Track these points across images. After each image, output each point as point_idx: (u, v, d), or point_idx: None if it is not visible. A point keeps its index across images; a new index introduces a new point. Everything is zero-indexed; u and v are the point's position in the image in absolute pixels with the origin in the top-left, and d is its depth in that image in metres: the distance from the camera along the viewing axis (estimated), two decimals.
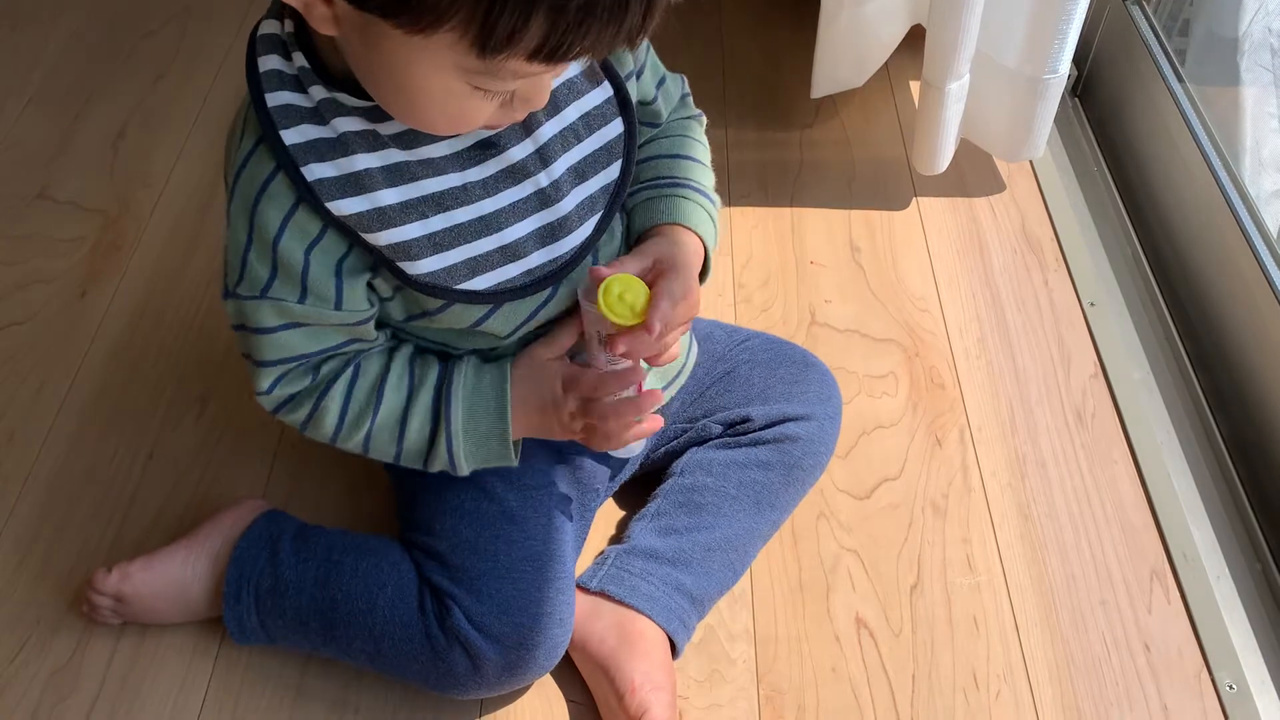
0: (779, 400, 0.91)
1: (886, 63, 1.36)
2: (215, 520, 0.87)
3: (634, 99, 0.78)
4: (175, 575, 0.85)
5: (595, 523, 0.93)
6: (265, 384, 0.74)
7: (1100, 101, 1.38)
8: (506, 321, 0.76)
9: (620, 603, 0.83)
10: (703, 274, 0.81)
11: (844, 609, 0.90)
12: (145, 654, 0.86)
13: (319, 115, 0.67)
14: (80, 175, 1.26)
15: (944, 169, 1.22)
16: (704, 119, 0.89)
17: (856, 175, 1.29)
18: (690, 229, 0.80)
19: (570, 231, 0.74)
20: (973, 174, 1.29)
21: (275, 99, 0.66)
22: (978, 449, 1.02)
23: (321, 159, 0.67)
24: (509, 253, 0.73)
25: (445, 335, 0.77)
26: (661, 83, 0.83)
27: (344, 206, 0.68)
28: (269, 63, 0.67)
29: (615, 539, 0.92)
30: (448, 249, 0.71)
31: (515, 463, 0.78)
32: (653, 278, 0.74)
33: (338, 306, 0.71)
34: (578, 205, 0.74)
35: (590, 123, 0.74)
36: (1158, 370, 1.10)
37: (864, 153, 1.32)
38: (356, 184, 0.68)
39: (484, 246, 0.72)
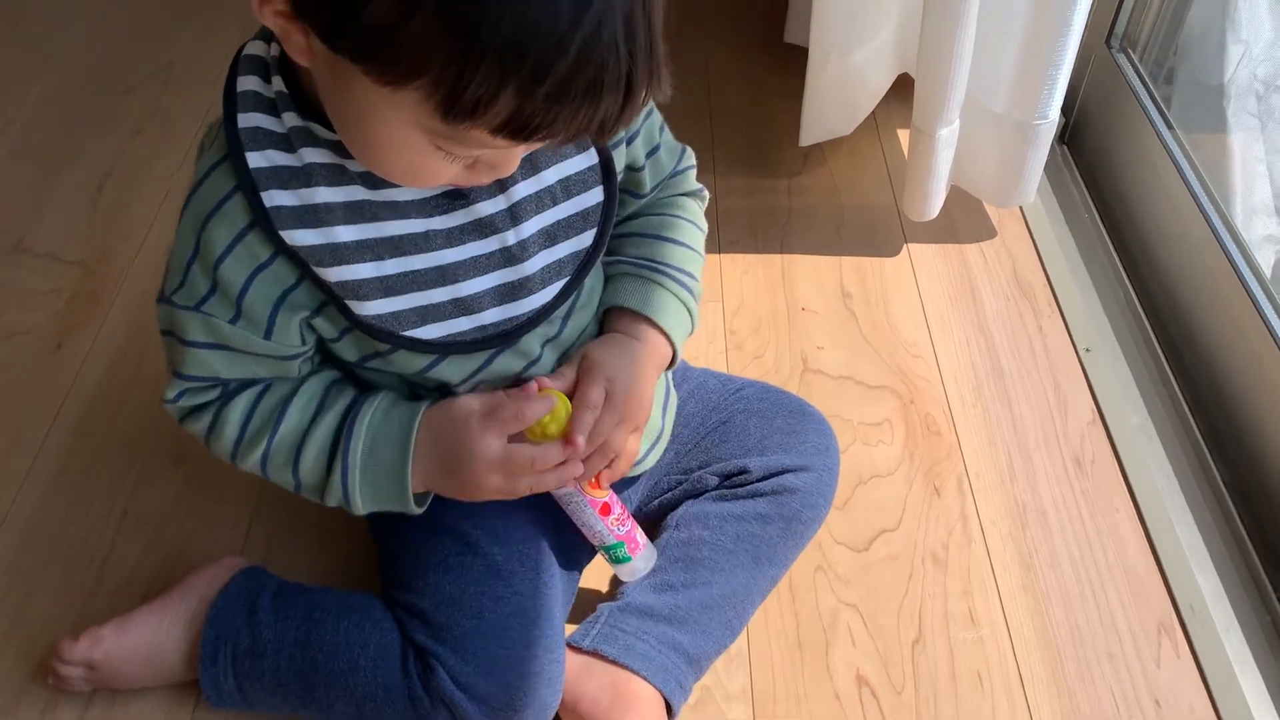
0: (776, 451, 0.88)
1: (874, 111, 1.36)
2: (190, 580, 0.84)
3: (621, 164, 0.77)
4: (149, 638, 0.81)
5: (587, 579, 0.90)
6: (171, 393, 0.73)
7: (1088, 148, 1.37)
8: (456, 370, 0.74)
9: (614, 662, 0.80)
10: (671, 362, 0.81)
11: (844, 665, 0.87)
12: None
13: (288, 142, 0.65)
14: (59, 228, 1.24)
15: (935, 215, 1.21)
16: (705, 196, 0.88)
17: (846, 222, 1.28)
18: (653, 321, 0.79)
19: (531, 293, 0.73)
20: (963, 220, 1.28)
21: (247, 120, 0.65)
22: (976, 497, 0.99)
23: (283, 186, 0.66)
24: (462, 306, 0.71)
25: (399, 381, 0.75)
26: (654, 152, 0.81)
27: (298, 237, 0.66)
28: (247, 83, 0.66)
29: (608, 596, 0.89)
30: (399, 294, 0.69)
31: (416, 511, 0.75)
32: (577, 382, 0.75)
33: (267, 336, 0.69)
34: (543, 268, 0.73)
35: (569, 187, 0.73)
36: (1156, 415, 1.08)
37: (853, 200, 1.31)
38: (314, 216, 0.66)
39: (437, 296, 0.70)
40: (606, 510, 0.81)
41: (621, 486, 0.88)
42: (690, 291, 0.82)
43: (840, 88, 1.25)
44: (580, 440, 0.73)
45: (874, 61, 1.27)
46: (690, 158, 0.87)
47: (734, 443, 0.89)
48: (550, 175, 0.72)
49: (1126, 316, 1.18)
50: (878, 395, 1.08)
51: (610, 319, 0.81)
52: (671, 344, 0.81)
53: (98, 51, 1.52)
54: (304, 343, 0.72)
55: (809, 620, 0.90)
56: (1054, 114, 1.14)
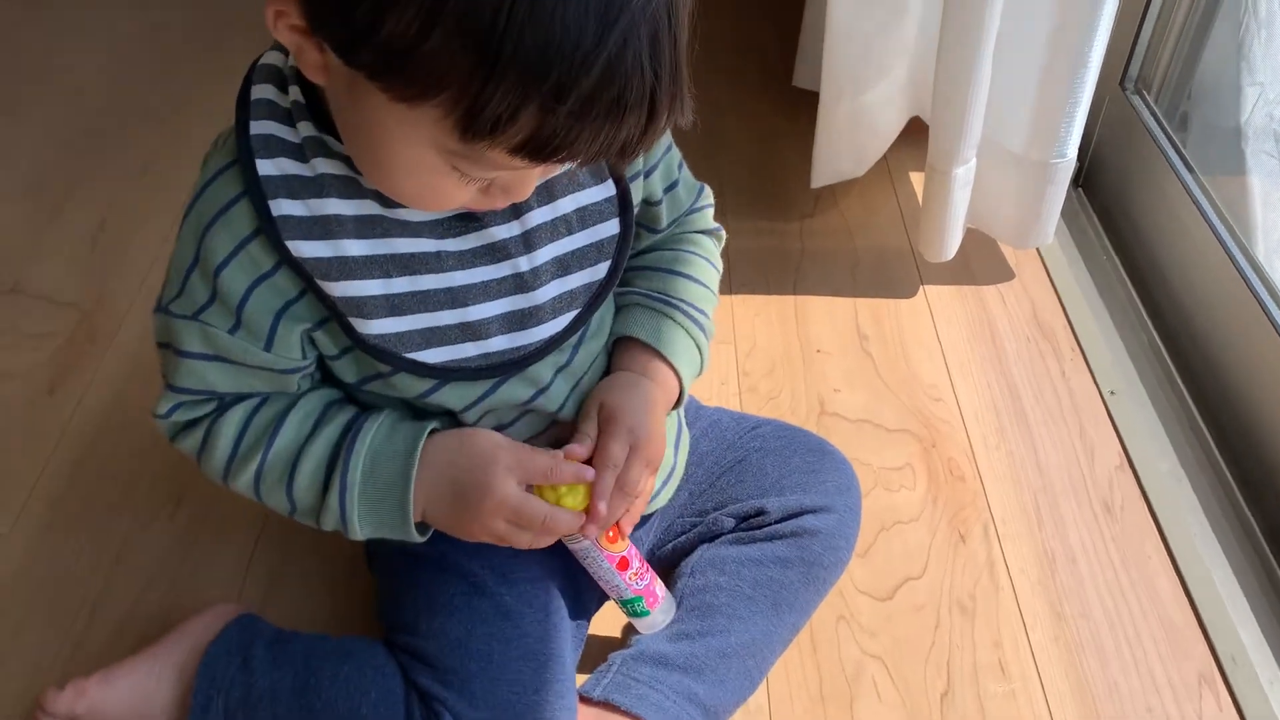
0: (795, 491, 0.85)
1: (886, 155, 1.34)
2: (181, 629, 0.80)
3: (638, 196, 0.75)
4: (138, 690, 0.77)
5: (597, 627, 0.86)
6: (164, 407, 0.70)
7: (1104, 191, 1.35)
8: (458, 397, 0.70)
9: (627, 714, 0.75)
10: (679, 400, 0.79)
11: None
12: None
13: (301, 152, 0.63)
14: (57, 269, 1.21)
15: (952, 256, 1.19)
16: (722, 236, 0.86)
17: (860, 264, 1.25)
18: (663, 356, 0.77)
19: (541, 322, 0.70)
20: (980, 262, 1.25)
21: (259, 127, 0.63)
22: (1004, 544, 0.96)
23: (293, 196, 0.63)
24: (470, 331, 0.68)
25: (401, 405, 0.72)
26: (671, 188, 0.79)
27: (304, 249, 0.63)
28: (262, 92, 0.64)
29: (620, 645, 0.85)
30: (405, 314, 0.66)
31: (417, 539, 0.71)
32: (599, 432, 0.73)
33: (268, 348, 0.66)
34: (554, 298, 0.70)
35: (585, 218, 0.71)
36: (1185, 459, 1.04)
37: (866, 241, 1.28)
38: (323, 228, 0.64)
39: (444, 319, 0.67)
40: (625, 565, 0.77)
41: (634, 527, 0.84)
42: (702, 329, 0.80)
43: (852, 128, 1.24)
44: (602, 508, 0.71)
45: (886, 103, 1.26)
46: (708, 196, 0.85)
47: (750, 483, 0.86)
48: (566, 204, 0.70)
49: (1150, 359, 1.15)
50: (898, 439, 1.05)
51: (619, 351, 0.78)
52: (680, 381, 0.78)
53: (103, 92, 1.51)
54: (304, 356, 0.69)
55: (832, 672, 0.86)
56: (1072, 152, 1.12)
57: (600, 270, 0.72)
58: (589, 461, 0.72)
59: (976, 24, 0.99)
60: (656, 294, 0.79)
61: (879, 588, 0.92)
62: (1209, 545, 0.97)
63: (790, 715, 0.83)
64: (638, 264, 0.81)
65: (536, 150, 0.54)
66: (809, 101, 1.25)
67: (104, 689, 0.76)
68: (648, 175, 0.76)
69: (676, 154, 0.79)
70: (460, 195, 0.61)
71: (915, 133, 1.31)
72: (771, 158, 1.40)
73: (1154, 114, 1.29)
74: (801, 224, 1.30)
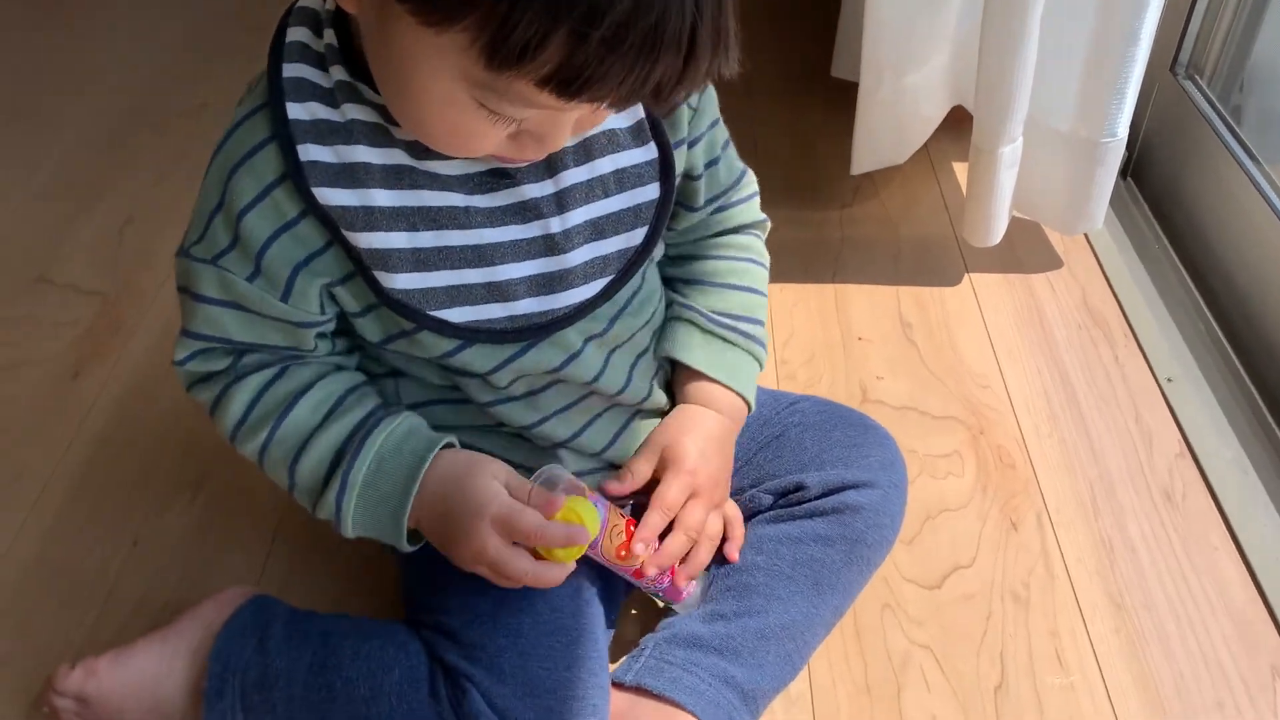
0: (836, 465, 0.80)
1: (928, 145, 1.31)
2: (195, 611, 0.77)
3: (681, 165, 0.72)
4: (149, 672, 0.73)
5: (628, 613, 0.82)
6: (181, 354, 0.68)
7: (1155, 180, 1.31)
8: (483, 359, 0.67)
9: (660, 698, 0.71)
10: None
11: (919, 712, 0.78)
12: None
13: (332, 97, 0.61)
14: (83, 260, 1.20)
15: (998, 240, 1.14)
16: (768, 225, 0.83)
17: (902, 252, 1.21)
18: (730, 388, 0.77)
19: (571, 286, 0.67)
20: (1026, 251, 1.21)
21: (291, 70, 0.61)
22: (1058, 533, 0.90)
23: (321, 141, 0.61)
24: (496, 291, 0.65)
25: (431, 370, 0.69)
26: (713, 164, 0.76)
27: (331, 196, 0.61)
28: (296, 34, 0.62)
29: (651, 629, 0.80)
30: (430, 269, 0.64)
31: (406, 548, 0.68)
32: (659, 474, 0.74)
33: (284, 298, 0.64)
34: (586, 262, 0.67)
35: (623, 180, 0.68)
36: (1249, 447, 0.99)
37: (909, 230, 1.24)
38: (351, 176, 0.61)
39: (470, 277, 0.65)
40: (640, 575, 0.74)
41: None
42: (759, 342, 0.79)
43: (893, 113, 1.20)
44: (638, 549, 0.71)
45: (927, 88, 1.22)
46: (753, 183, 0.82)
47: (789, 458, 0.82)
48: (604, 165, 0.67)
49: (1208, 345, 1.10)
50: (944, 426, 1.00)
51: (681, 379, 0.78)
52: (748, 405, 0.78)
53: (134, 91, 1.51)
54: (323, 312, 0.66)
55: (878, 662, 0.81)
56: (1122, 132, 1.08)
57: (636, 236, 0.69)
58: (644, 500, 0.72)
59: None
60: (713, 314, 0.78)
61: (926, 576, 0.87)
62: (1277, 534, 0.91)
63: (833, 704, 0.78)
64: (692, 275, 0.79)
65: (565, 83, 0.51)
66: (848, 92, 1.22)
67: (115, 669, 0.73)
68: (691, 145, 0.73)
69: (723, 132, 0.77)
70: (490, 138, 0.58)
71: (957, 124, 1.28)
72: (810, 148, 1.37)
73: (1208, 99, 1.24)
74: (841, 213, 1.27)
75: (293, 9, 0.63)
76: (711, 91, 0.74)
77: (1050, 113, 1.09)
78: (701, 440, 0.75)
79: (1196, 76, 1.27)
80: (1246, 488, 0.95)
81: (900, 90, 1.18)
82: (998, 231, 1.14)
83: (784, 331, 1.11)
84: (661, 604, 0.78)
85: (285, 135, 0.61)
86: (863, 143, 1.21)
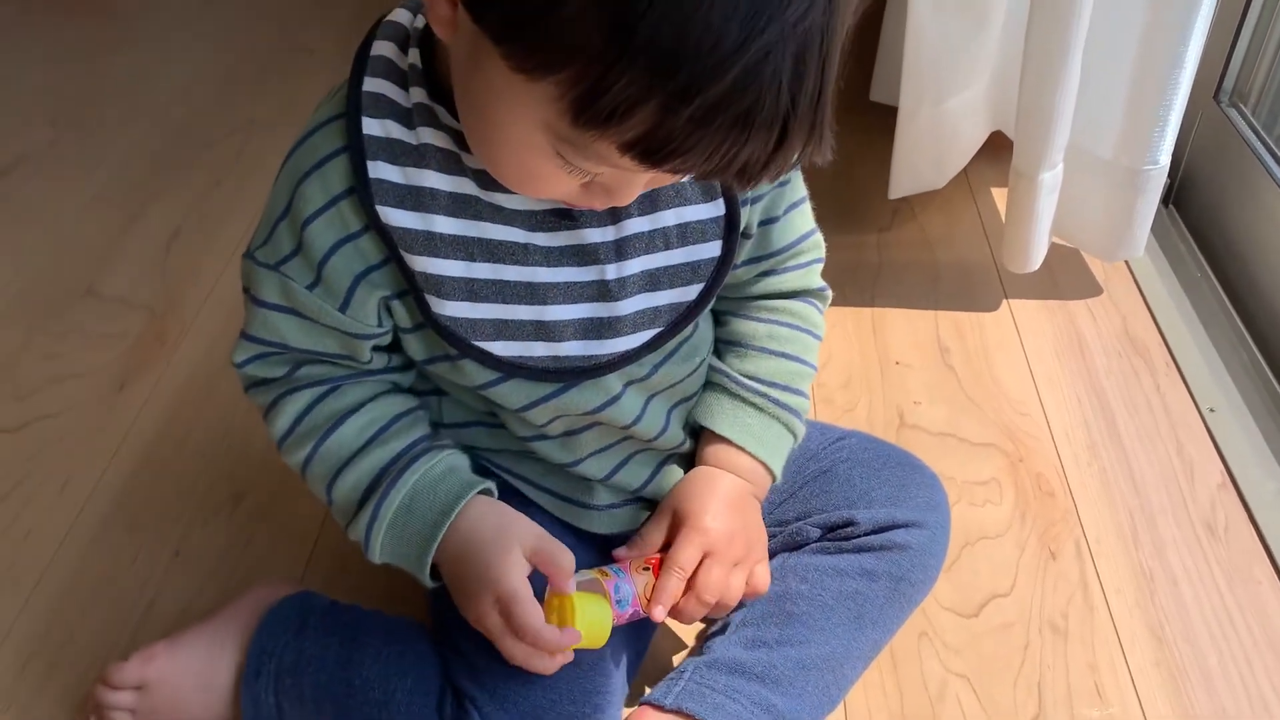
0: (885, 504, 0.79)
1: (966, 170, 1.31)
2: (245, 597, 0.79)
3: (742, 223, 0.71)
4: (202, 654, 0.75)
5: (667, 634, 0.82)
6: (240, 357, 0.69)
7: (1197, 208, 1.30)
8: (518, 394, 0.68)
9: None
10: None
11: None
12: None
13: (409, 118, 0.62)
14: (130, 273, 1.22)
15: (1037, 266, 1.14)
16: (828, 296, 0.81)
17: (941, 277, 1.21)
18: (751, 454, 0.75)
19: (619, 334, 0.67)
20: (1066, 277, 1.20)
21: (373, 85, 0.61)
22: (1098, 563, 0.90)
23: (392, 161, 0.61)
24: (544, 331, 0.66)
25: (469, 394, 0.70)
26: (768, 223, 0.73)
27: (394, 217, 0.62)
28: (382, 49, 0.62)
29: (694, 653, 0.80)
30: (482, 300, 0.64)
31: (429, 584, 0.69)
32: (671, 536, 0.73)
33: (344, 309, 0.65)
34: (638, 312, 0.67)
35: (686, 235, 0.67)
36: None
37: (947, 255, 1.24)
38: (416, 199, 0.62)
39: (520, 313, 0.65)
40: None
41: None
42: (794, 413, 0.77)
43: (932, 137, 1.20)
44: (657, 613, 0.70)
45: (967, 113, 1.22)
46: (816, 249, 0.79)
47: (837, 494, 0.81)
48: (668, 217, 0.67)
49: (1252, 376, 1.09)
50: (983, 453, 1.00)
51: (705, 441, 0.77)
52: (772, 474, 0.77)
53: (185, 105, 1.54)
54: (380, 324, 0.67)
55: (914, 690, 0.81)
56: (1165, 160, 1.08)
57: (691, 292, 0.69)
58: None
59: (1065, 19, 0.95)
60: (743, 377, 0.76)
61: (964, 604, 0.86)
62: None
63: None
64: (721, 335, 0.78)
65: (648, 152, 0.50)
66: (887, 117, 1.22)
67: (172, 654, 0.75)
68: (753, 202, 0.71)
69: (796, 192, 0.74)
70: (560, 186, 0.58)
71: (997, 149, 1.27)
72: (848, 171, 1.36)
73: (1252, 126, 1.23)
74: (879, 236, 1.27)
75: (381, 21, 0.64)
76: (799, 173, 0.73)
77: (1092, 139, 1.09)
78: (713, 501, 0.73)
79: (1240, 104, 1.26)
80: None
81: (940, 115, 1.19)
82: (1037, 258, 1.13)
83: (821, 355, 1.08)
84: None
85: (358, 149, 0.61)
86: (901, 166, 1.21)
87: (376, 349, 0.69)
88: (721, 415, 0.76)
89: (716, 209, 0.68)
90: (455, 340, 0.65)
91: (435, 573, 0.69)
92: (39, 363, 1.10)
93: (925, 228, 1.29)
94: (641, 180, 0.58)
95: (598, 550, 0.76)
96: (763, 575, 0.75)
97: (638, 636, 0.77)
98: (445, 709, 0.68)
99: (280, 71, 1.62)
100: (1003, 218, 1.20)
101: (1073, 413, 1.04)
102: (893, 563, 0.78)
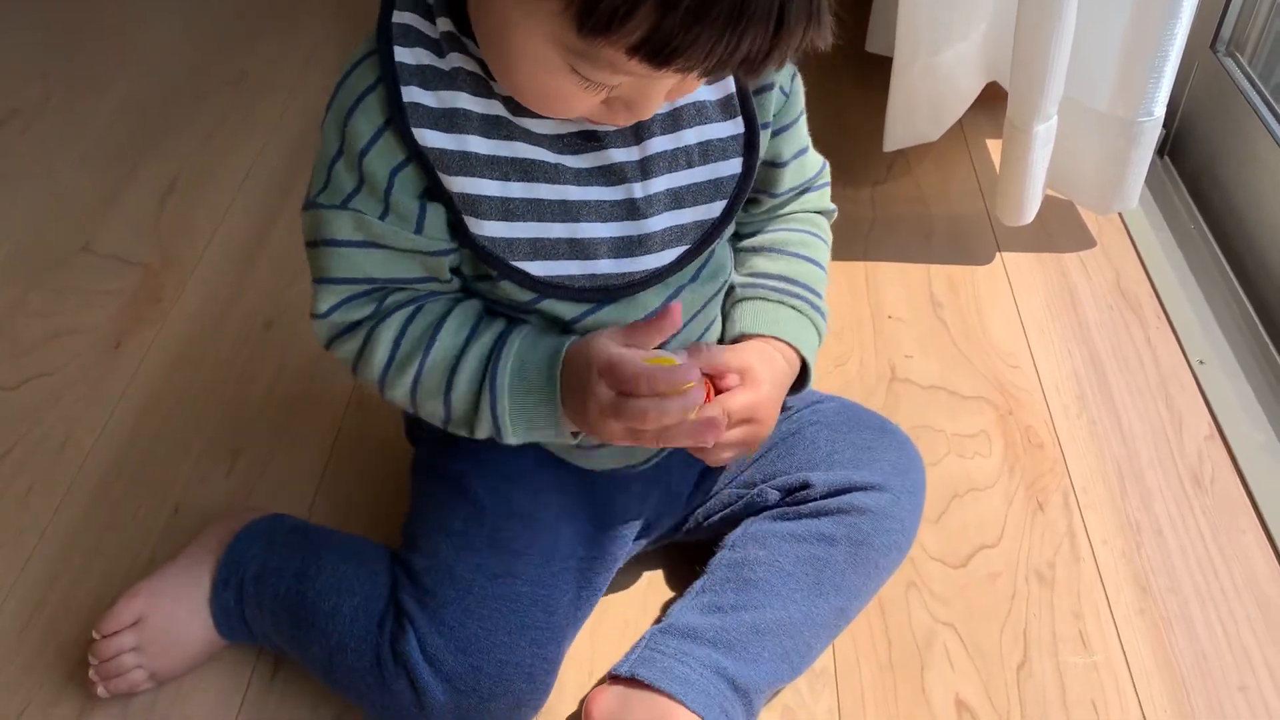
0: (846, 466, 0.80)
1: (961, 122, 1.30)
2: (223, 518, 0.83)
3: (764, 145, 0.72)
4: (185, 577, 0.79)
5: (635, 604, 0.83)
6: (325, 305, 0.68)
7: (1192, 159, 1.29)
8: (558, 314, 0.69)
9: (650, 688, 0.72)
10: (800, 385, 0.77)
11: (942, 689, 0.79)
12: None
13: (438, 46, 0.63)
14: (125, 230, 1.22)
15: (1031, 219, 1.14)
16: (835, 214, 0.83)
17: (935, 231, 1.21)
18: (790, 344, 0.75)
19: (650, 251, 0.68)
20: (1059, 229, 1.20)
21: (401, 17, 0.63)
22: (1085, 514, 0.91)
23: (425, 86, 0.63)
24: (578, 248, 0.67)
25: (510, 307, 0.70)
26: (800, 154, 0.77)
27: (430, 138, 0.63)
28: None
29: (655, 622, 0.81)
30: (517, 219, 0.65)
31: (571, 440, 0.68)
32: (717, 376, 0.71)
33: (419, 230, 0.65)
34: (665, 229, 0.68)
35: (707, 153, 0.69)
36: None
37: (941, 209, 1.24)
38: (450, 120, 0.63)
39: (555, 231, 0.66)
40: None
41: (682, 485, 0.82)
42: (820, 312, 0.78)
43: (927, 89, 1.19)
44: (687, 371, 0.64)
45: (962, 64, 1.21)
46: (828, 174, 0.82)
47: (800, 456, 0.81)
48: (690, 136, 0.68)
49: (1242, 329, 1.09)
50: (973, 406, 1.01)
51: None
52: (805, 363, 0.76)
53: (178, 57, 1.53)
54: (451, 239, 0.67)
55: (902, 639, 0.82)
56: (1159, 111, 1.07)
57: (715, 209, 0.70)
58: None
59: None
60: (779, 281, 0.77)
61: (951, 555, 0.88)
62: None
63: (856, 681, 0.79)
64: (758, 244, 0.79)
65: (653, 52, 0.53)
66: (882, 68, 1.21)
67: (155, 585, 0.78)
68: (780, 132, 0.74)
69: (806, 124, 0.77)
70: (581, 102, 0.59)
71: (992, 100, 1.27)
72: (842, 124, 1.37)
73: (1249, 76, 1.22)
74: (873, 190, 1.27)
75: None
76: (800, 81, 0.75)
77: (1087, 90, 1.09)
78: (769, 373, 0.72)
79: (1237, 54, 1.25)
80: (1276, 472, 0.95)
81: (935, 66, 1.18)
82: (1030, 210, 1.13)
83: None
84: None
85: (392, 77, 0.62)
86: (896, 119, 1.21)
87: (452, 269, 0.69)
88: (764, 317, 0.75)
89: (736, 127, 0.69)
90: (493, 261, 0.66)
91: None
92: (35, 320, 1.10)
93: (920, 181, 1.29)
94: (659, 91, 0.59)
95: (596, 506, 0.78)
96: (729, 456, 0.73)
97: (585, 579, 0.78)
98: (386, 626, 0.71)
99: (274, 22, 1.61)
100: (997, 170, 1.20)
101: (1063, 365, 1.04)
102: (852, 527, 0.78)
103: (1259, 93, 1.20)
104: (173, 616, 0.77)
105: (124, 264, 1.17)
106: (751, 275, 0.78)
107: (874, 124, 1.24)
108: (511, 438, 0.68)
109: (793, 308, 0.76)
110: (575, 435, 0.68)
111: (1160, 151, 1.32)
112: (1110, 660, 0.81)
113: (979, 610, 0.84)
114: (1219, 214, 1.22)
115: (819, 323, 0.78)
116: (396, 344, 0.68)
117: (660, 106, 0.62)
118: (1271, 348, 1.07)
